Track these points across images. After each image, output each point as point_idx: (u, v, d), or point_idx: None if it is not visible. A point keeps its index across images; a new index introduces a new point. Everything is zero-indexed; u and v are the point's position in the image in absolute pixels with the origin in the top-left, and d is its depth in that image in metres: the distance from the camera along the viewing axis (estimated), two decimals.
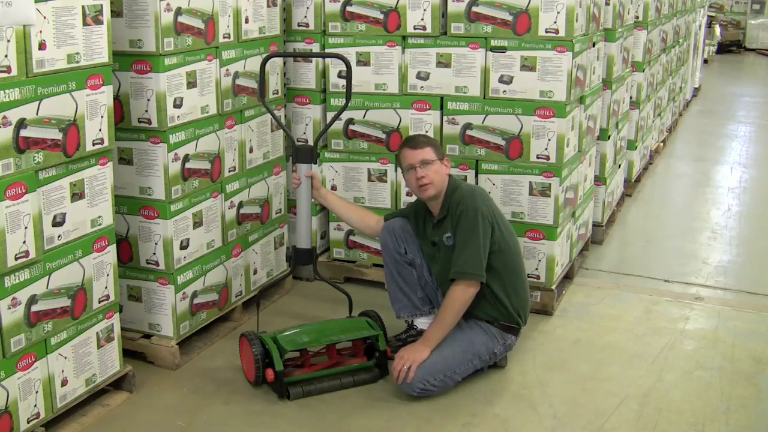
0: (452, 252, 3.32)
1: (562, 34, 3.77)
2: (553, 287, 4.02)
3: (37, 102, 2.67)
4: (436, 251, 3.45)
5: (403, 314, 3.62)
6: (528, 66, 3.85)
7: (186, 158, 3.45)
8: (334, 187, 4.30)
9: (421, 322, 3.61)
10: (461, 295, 3.25)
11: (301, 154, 3.59)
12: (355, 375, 3.36)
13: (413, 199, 4.13)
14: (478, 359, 3.34)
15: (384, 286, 3.95)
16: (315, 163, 3.66)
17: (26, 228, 2.68)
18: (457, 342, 3.29)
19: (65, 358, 2.96)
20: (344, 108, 3.66)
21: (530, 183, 3.93)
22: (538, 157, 3.90)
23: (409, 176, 3.38)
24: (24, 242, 2.68)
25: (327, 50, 4.18)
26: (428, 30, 4.00)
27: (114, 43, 3.09)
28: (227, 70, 3.66)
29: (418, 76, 4.07)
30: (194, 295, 3.59)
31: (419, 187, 3.36)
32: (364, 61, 4.13)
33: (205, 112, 3.55)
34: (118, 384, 3.25)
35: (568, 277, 4.40)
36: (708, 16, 12.37)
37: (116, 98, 3.27)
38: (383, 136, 4.17)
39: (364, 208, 3.93)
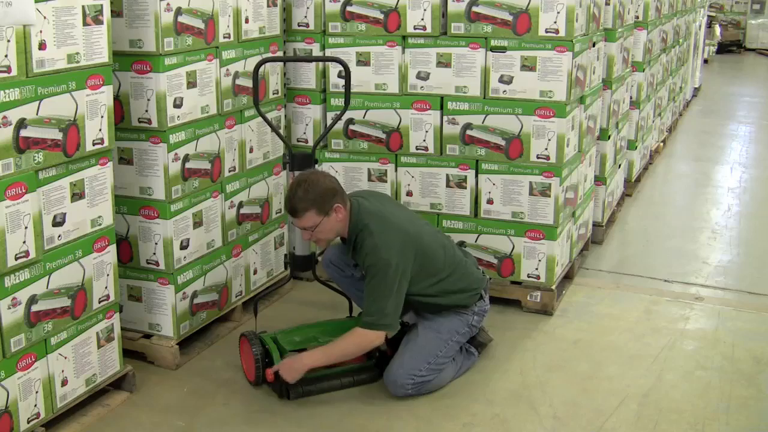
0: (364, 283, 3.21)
1: (562, 34, 3.77)
2: (553, 287, 4.02)
3: (37, 102, 2.67)
4: (359, 271, 3.40)
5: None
6: (528, 66, 3.85)
7: (186, 158, 3.45)
8: None
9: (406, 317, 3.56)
10: (361, 339, 3.13)
11: (298, 161, 3.56)
12: (355, 375, 3.35)
13: (413, 198, 4.14)
14: (456, 334, 3.32)
15: None
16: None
17: (26, 228, 2.68)
18: (426, 329, 3.29)
19: (65, 358, 2.96)
20: (343, 112, 3.65)
21: (530, 183, 3.93)
22: (538, 157, 3.90)
23: None
24: (24, 242, 2.68)
25: (327, 51, 4.18)
26: (428, 30, 3.99)
27: (114, 43, 3.09)
28: (227, 70, 3.66)
29: (418, 76, 4.07)
30: (194, 295, 3.59)
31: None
32: (364, 61, 4.13)
33: (205, 112, 3.55)
34: (118, 384, 3.25)
35: (568, 277, 4.40)
36: (708, 16, 12.36)
37: (116, 98, 3.27)
38: (383, 136, 4.17)
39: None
